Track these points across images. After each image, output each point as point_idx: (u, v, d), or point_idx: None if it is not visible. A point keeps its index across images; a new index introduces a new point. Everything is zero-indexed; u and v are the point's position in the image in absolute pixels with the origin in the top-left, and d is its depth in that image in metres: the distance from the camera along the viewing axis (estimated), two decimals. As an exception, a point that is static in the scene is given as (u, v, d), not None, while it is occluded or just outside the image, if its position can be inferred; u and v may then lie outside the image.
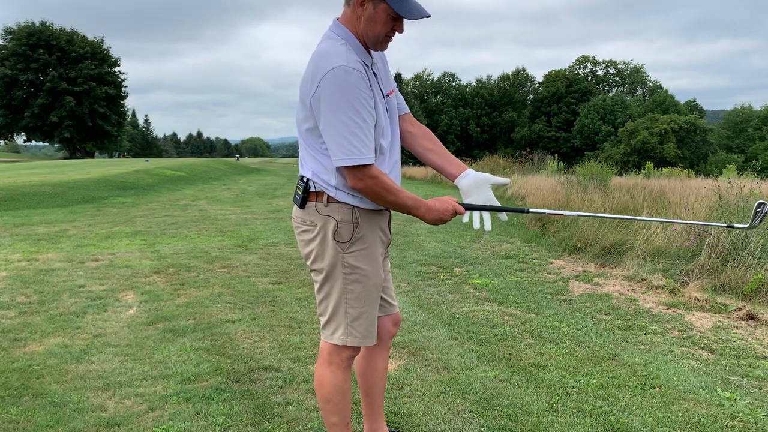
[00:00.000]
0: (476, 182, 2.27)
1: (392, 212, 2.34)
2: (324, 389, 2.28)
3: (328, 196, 2.14)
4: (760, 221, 2.36)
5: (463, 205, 2.24)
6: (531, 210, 2.40)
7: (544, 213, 2.45)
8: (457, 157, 2.39)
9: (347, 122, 1.98)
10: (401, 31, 2.09)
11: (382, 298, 2.37)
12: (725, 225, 2.53)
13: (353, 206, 2.14)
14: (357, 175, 2.03)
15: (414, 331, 4.29)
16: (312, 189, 2.16)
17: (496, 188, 13.32)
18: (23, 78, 56.41)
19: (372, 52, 2.19)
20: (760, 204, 2.36)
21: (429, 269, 6.49)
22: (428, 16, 2.04)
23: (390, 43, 2.14)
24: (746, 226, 2.40)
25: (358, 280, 2.18)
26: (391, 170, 2.20)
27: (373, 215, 2.20)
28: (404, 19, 2.06)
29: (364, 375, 2.50)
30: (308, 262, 2.24)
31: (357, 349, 2.29)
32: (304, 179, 2.17)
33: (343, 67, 1.97)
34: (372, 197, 2.09)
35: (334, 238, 2.14)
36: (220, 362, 3.65)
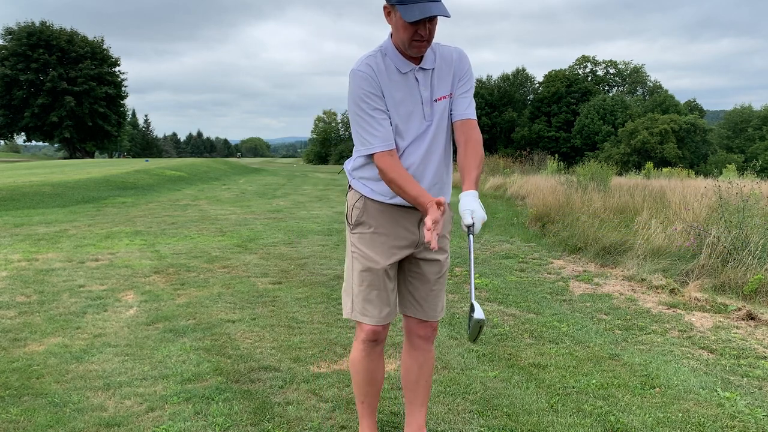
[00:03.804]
0: (459, 207, 2.21)
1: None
2: (350, 361, 2.58)
3: (350, 183, 2.47)
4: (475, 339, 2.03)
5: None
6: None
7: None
8: (478, 183, 2.36)
9: (355, 117, 2.26)
10: (425, 33, 2.15)
11: (414, 297, 2.50)
12: None
13: (362, 194, 2.40)
14: (374, 160, 2.26)
15: (414, 331, 4.29)
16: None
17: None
18: (23, 78, 56.36)
19: (432, 59, 2.30)
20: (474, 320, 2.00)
21: (429, 269, 6.48)
22: (431, 16, 2.07)
23: (421, 46, 2.19)
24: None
25: (358, 260, 2.41)
26: (407, 170, 2.28)
27: (387, 208, 2.37)
28: (426, 23, 2.13)
29: (402, 370, 2.66)
30: None
31: (372, 332, 2.43)
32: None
33: (352, 70, 2.25)
34: (386, 183, 2.26)
35: (346, 218, 2.49)
36: (220, 362, 3.65)
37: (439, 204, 2.06)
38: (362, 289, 2.41)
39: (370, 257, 2.39)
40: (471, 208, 2.10)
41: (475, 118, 2.38)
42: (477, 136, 2.32)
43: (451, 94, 2.35)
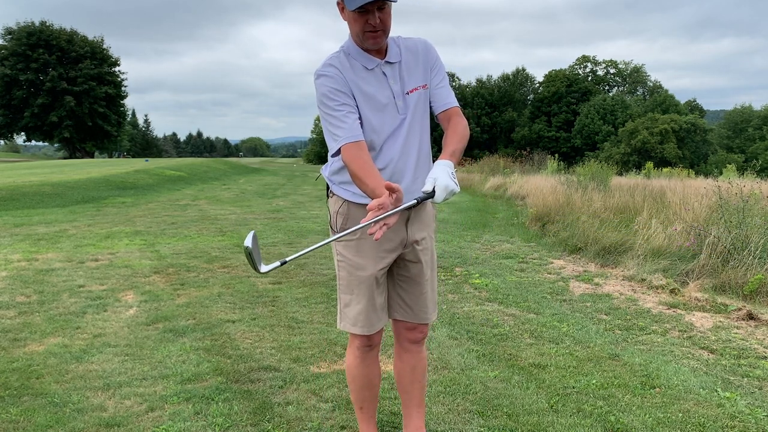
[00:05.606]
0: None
1: (421, 215, 2.39)
2: (346, 368, 2.57)
3: (331, 189, 2.41)
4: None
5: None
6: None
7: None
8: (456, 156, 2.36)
9: (324, 117, 2.22)
10: (375, 22, 2.12)
11: (404, 300, 2.46)
12: None
13: (345, 200, 2.34)
14: (341, 154, 2.18)
15: (414, 331, 4.28)
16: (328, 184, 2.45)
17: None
18: (23, 78, 56.33)
19: (397, 52, 2.29)
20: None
21: (429, 269, 6.48)
22: (373, 1, 2.04)
23: (375, 36, 2.16)
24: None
25: (344, 268, 2.37)
26: (386, 166, 2.26)
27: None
28: (376, 12, 2.10)
29: (395, 374, 2.65)
30: None
31: (366, 338, 2.41)
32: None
33: (316, 72, 2.24)
34: (350, 176, 2.16)
35: (330, 226, 2.43)
36: (220, 362, 3.65)
37: (391, 190, 1.89)
38: (353, 299, 2.36)
39: (358, 264, 2.33)
40: (434, 176, 2.01)
41: (457, 104, 2.37)
42: (461, 121, 2.33)
43: (425, 85, 2.33)
